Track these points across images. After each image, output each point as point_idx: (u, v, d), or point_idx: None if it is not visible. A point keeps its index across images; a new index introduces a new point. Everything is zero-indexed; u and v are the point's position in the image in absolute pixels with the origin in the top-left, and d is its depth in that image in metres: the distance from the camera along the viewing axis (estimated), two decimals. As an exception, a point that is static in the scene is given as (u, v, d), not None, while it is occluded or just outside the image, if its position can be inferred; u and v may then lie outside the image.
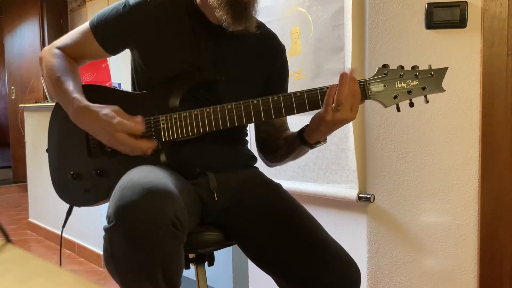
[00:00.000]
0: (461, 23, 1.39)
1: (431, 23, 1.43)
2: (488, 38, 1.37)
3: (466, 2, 1.38)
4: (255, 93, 1.12)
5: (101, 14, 1.13)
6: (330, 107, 0.96)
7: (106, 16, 1.11)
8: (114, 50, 1.16)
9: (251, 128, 1.37)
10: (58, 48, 1.16)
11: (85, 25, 1.14)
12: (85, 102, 1.03)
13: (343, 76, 0.96)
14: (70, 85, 1.06)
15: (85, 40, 1.14)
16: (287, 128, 1.23)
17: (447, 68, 1.01)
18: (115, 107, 1.02)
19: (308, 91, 1.00)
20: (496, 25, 1.36)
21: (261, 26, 1.17)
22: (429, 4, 1.42)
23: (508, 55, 1.36)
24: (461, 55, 1.41)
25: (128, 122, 1.00)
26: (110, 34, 1.12)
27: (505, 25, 1.35)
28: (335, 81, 1.00)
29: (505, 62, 1.36)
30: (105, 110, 1.01)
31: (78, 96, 1.04)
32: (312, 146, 1.07)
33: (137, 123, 1.01)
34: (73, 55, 1.16)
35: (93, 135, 1.05)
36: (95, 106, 1.02)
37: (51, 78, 1.11)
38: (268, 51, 1.21)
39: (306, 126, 1.06)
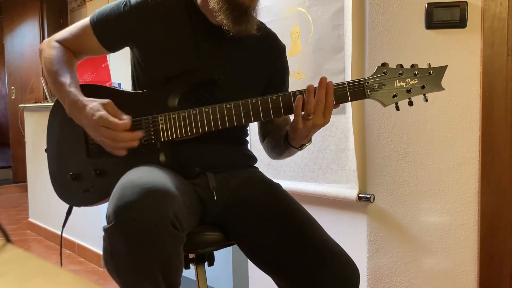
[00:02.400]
0: (461, 23, 1.39)
1: (431, 23, 1.43)
2: (488, 38, 1.37)
3: (466, 2, 1.38)
4: (256, 93, 1.12)
5: (102, 11, 1.13)
6: (300, 116, 0.98)
7: (107, 13, 1.11)
8: (113, 47, 1.16)
9: (251, 128, 1.37)
10: (57, 41, 1.16)
11: (85, 21, 1.14)
12: (78, 96, 1.03)
13: (308, 89, 0.98)
14: (67, 79, 1.06)
15: (85, 36, 1.14)
16: (289, 123, 1.23)
17: (446, 66, 1.01)
18: (106, 101, 1.00)
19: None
20: (496, 25, 1.36)
21: (261, 26, 1.17)
22: (429, 4, 1.42)
23: (508, 55, 1.36)
24: (461, 55, 1.41)
25: (111, 118, 0.97)
26: (110, 31, 1.12)
27: (505, 25, 1.35)
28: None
29: (505, 62, 1.36)
30: (92, 103, 1.00)
31: (73, 90, 1.04)
32: (298, 149, 1.09)
33: (121, 122, 0.98)
34: (72, 49, 1.16)
35: (86, 129, 1.04)
36: (84, 100, 1.02)
37: (49, 71, 1.11)
38: (268, 51, 1.21)
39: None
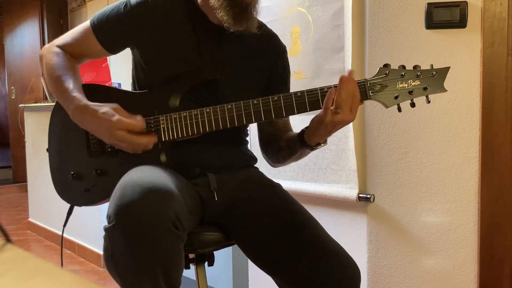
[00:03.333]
0: (461, 23, 1.39)
1: (431, 23, 1.43)
2: (488, 38, 1.37)
3: (466, 2, 1.38)
4: (256, 94, 1.12)
5: (102, 13, 1.13)
6: (330, 110, 0.95)
7: (107, 15, 1.11)
8: (114, 49, 1.16)
9: (251, 129, 1.37)
10: (58, 46, 1.16)
11: (85, 24, 1.15)
12: (84, 101, 1.03)
13: (342, 79, 0.95)
14: (70, 84, 1.06)
15: (86, 39, 1.14)
16: (289, 129, 1.22)
17: (449, 68, 1.00)
18: (115, 105, 1.01)
19: (308, 91, 1.00)
20: (496, 25, 1.36)
21: (262, 26, 1.17)
22: (429, 4, 1.42)
23: (508, 55, 1.36)
24: (461, 55, 1.41)
25: (127, 120, 0.99)
26: (110, 33, 1.12)
27: (505, 25, 1.35)
28: (335, 81, 0.99)
29: (505, 62, 1.36)
30: (104, 108, 1.00)
31: (78, 95, 1.04)
32: (313, 148, 1.06)
33: (137, 121, 1.00)
34: (73, 54, 1.16)
35: (93, 133, 1.05)
36: (93, 105, 1.02)
37: (51, 77, 1.11)
38: (268, 52, 1.20)
39: (306, 128, 1.05)
